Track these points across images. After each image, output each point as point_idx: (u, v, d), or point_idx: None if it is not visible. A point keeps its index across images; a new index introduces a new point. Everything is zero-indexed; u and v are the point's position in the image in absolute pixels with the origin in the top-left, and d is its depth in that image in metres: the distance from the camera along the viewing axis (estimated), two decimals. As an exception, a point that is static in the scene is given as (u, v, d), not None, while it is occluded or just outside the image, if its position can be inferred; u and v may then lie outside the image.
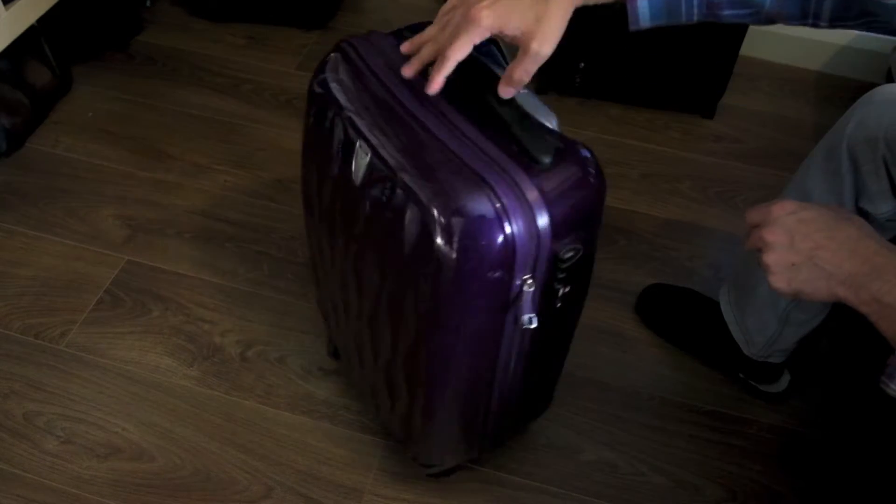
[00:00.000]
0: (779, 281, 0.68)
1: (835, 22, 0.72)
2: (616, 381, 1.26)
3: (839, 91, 1.77)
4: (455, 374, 0.87)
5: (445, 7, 0.77)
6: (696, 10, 0.73)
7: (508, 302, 0.78)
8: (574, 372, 1.26)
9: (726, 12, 0.73)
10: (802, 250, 0.66)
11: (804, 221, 0.67)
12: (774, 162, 1.61)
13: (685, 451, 1.19)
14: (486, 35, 0.72)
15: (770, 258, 0.68)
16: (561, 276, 0.78)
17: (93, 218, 1.47)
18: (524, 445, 1.18)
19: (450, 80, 0.76)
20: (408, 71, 0.79)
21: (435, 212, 0.72)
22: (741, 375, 1.24)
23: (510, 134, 0.76)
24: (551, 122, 0.78)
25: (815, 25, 0.73)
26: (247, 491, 1.12)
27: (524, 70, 0.73)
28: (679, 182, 1.57)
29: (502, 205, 0.71)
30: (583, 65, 1.65)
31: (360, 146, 0.80)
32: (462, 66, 0.75)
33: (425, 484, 1.13)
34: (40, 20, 1.54)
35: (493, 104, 0.77)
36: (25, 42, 1.54)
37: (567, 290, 0.81)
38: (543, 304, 0.81)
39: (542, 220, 0.73)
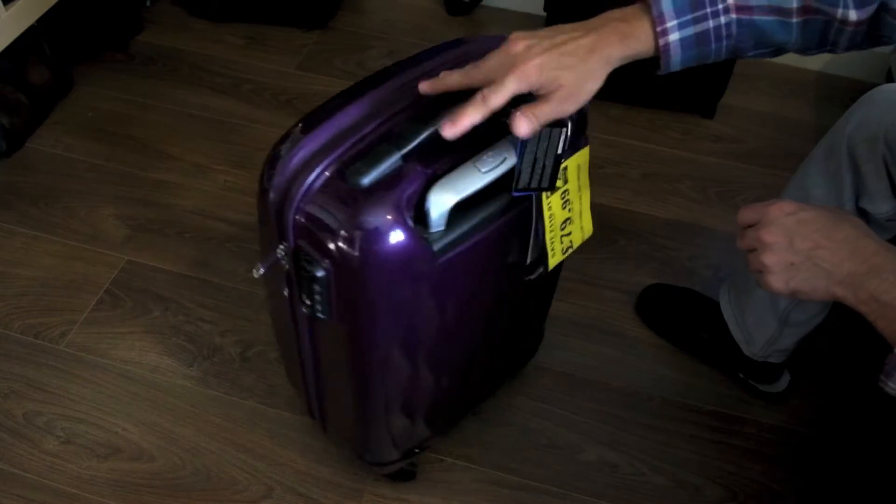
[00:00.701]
0: (777, 281, 0.69)
1: (849, 49, 0.73)
2: (616, 381, 1.26)
3: (839, 91, 1.77)
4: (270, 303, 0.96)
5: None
6: (723, 54, 0.74)
7: (274, 252, 0.81)
8: (574, 372, 1.27)
9: (750, 53, 0.75)
10: (801, 250, 0.67)
11: (803, 222, 0.67)
12: (774, 162, 1.61)
13: (685, 451, 1.19)
14: (531, 89, 0.69)
15: (769, 259, 0.68)
16: (299, 279, 0.79)
17: (93, 218, 1.47)
18: (524, 445, 1.18)
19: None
20: (424, 86, 0.75)
21: None
22: (741, 375, 1.24)
23: (388, 138, 0.75)
24: (479, 168, 0.75)
25: (830, 52, 0.74)
26: (247, 491, 1.12)
27: (545, 116, 0.70)
28: (679, 182, 1.57)
29: (284, 162, 0.76)
30: (583, 65, 1.65)
31: None
32: None
33: (425, 484, 1.13)
34: (40, 20, 1.54)
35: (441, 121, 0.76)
36: (25, 42, 1.54)
37: (310, 304, 0.80)
38: (299, 302, 0.83)
39: (296, 194, 0.75)
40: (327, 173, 0.75)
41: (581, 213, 0.88)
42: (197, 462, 1.15)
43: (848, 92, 1.74)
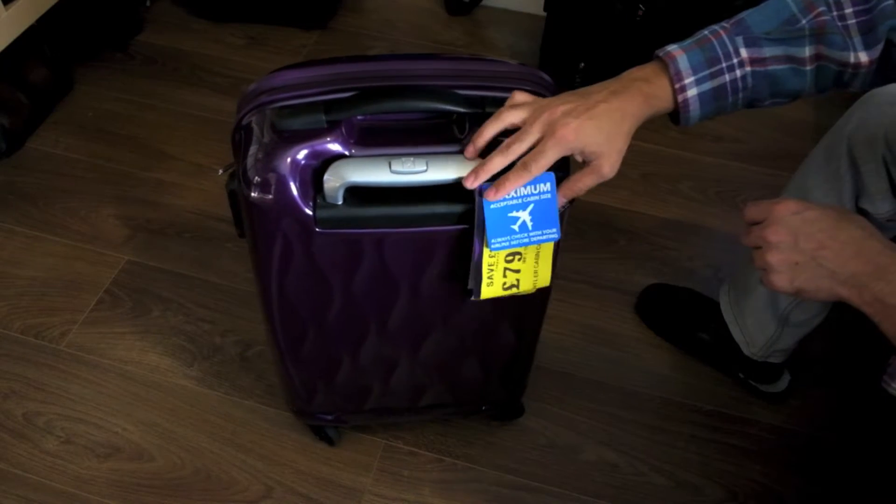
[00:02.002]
0: (781, 280, 0.68)
1: (863, 87, 0.77)
2: (616, 381, 1.26)
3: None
4: None
5: (520, 118, 0.75)
6: (739, 105, 0.79)
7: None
8: (574, 372, 1.27)
9: (766, 102, 0.79)
10: (806, 250, 0.67)
11: (808, 221, 0.67)
12: (774, 162, 1.61)
13: (685, 451, 1.19)
14: (569, 154, 0.73)
15: (773, 257, 0.68)
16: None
17: (93, 218, 1.47)
18: (524, 445, 1.18)
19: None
20: (469, 182, 0.75)
21: None
22: (741, 375, 1.24)
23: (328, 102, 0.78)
24: (404, 167, 0.76)
25: (845, 90, 0.79)
26: (247, 491, 1.12)
27: (587, 186, 0.76)
28: (679, 182, 1.57)
29: (250, 88, 0.83)
30: (583, 65, 1.65)
31: None
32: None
33: (425, 484, 1.13)
34: (40, 20, 1.54)
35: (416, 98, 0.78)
36: (25, 42, 1.54)
37: (232, 216, 0.87)
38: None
39: (240, 116, 0.81)
40: (271, 107, 0.79)
41: (538, 257, 0.82)
42: (197, 462, 1.15)
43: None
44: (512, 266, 0.82)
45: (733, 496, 1.14)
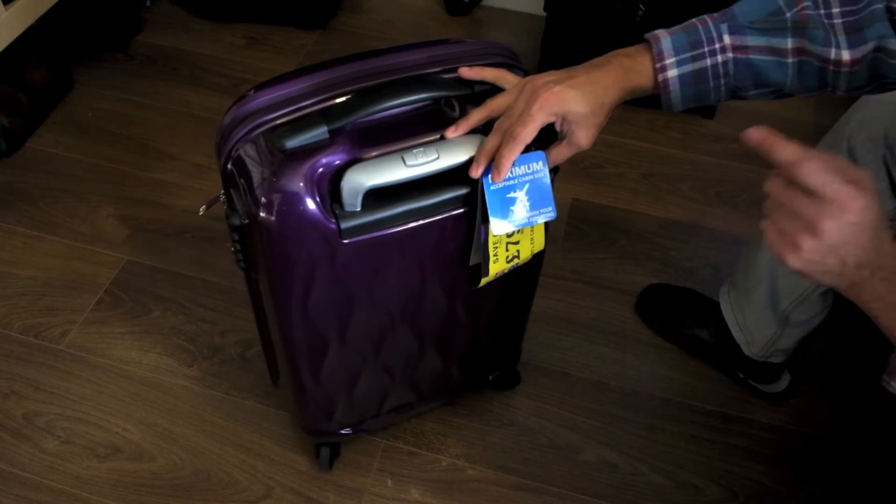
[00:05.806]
0: (797, 261, 0.63)
1: (851, 90, 0.76)
2: (616, 381, 1.26)
3: (839, 91, 1.77)
4: None
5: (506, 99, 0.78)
6: (723, 94, 0.78)
7: (217, 196, 0.90)
8: (574, 372, 1.27)
9: (751, 93, 0.78)
10: (841, 254, 0.65)
11: (857, 227, 0.65)
12: (774, 162, 1.61)
13: (685, 451, 1.19)
14: (552, 120, 0.75)
15: (810, 244, 0.62)
16: (228, 226, 0.83)
17: (93, 218, 1.47)
18: (524, 445, 1.18)
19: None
20: (474, 172, 0.77)
21: None
22: (741, 375, 1.24)
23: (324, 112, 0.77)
24: (424, 158, 0.77)
25: (832, 93, 0.77)
26: (247, 491, 1.12)
27: (564, 157, 0.79)
28: (679, 182, 1.57)
29: (230, 115, 0.81)
30: (583, 65, 1.65)
31: None
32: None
33: (425, 484, 1.13)
34: (40, 20, 1.54)
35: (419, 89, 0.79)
36: (25, 42, 1.54)
37: (234, 252, 0.86)
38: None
39: (230, 145, 0.79)
40: (260, 131, 0.77)
41: (533, 227, 0.85)
42: (197, 462, 1.15)
43: (848, 92, 1.74)
44: (512, 239, 0.84)
45: (733, 496, 1.14)
